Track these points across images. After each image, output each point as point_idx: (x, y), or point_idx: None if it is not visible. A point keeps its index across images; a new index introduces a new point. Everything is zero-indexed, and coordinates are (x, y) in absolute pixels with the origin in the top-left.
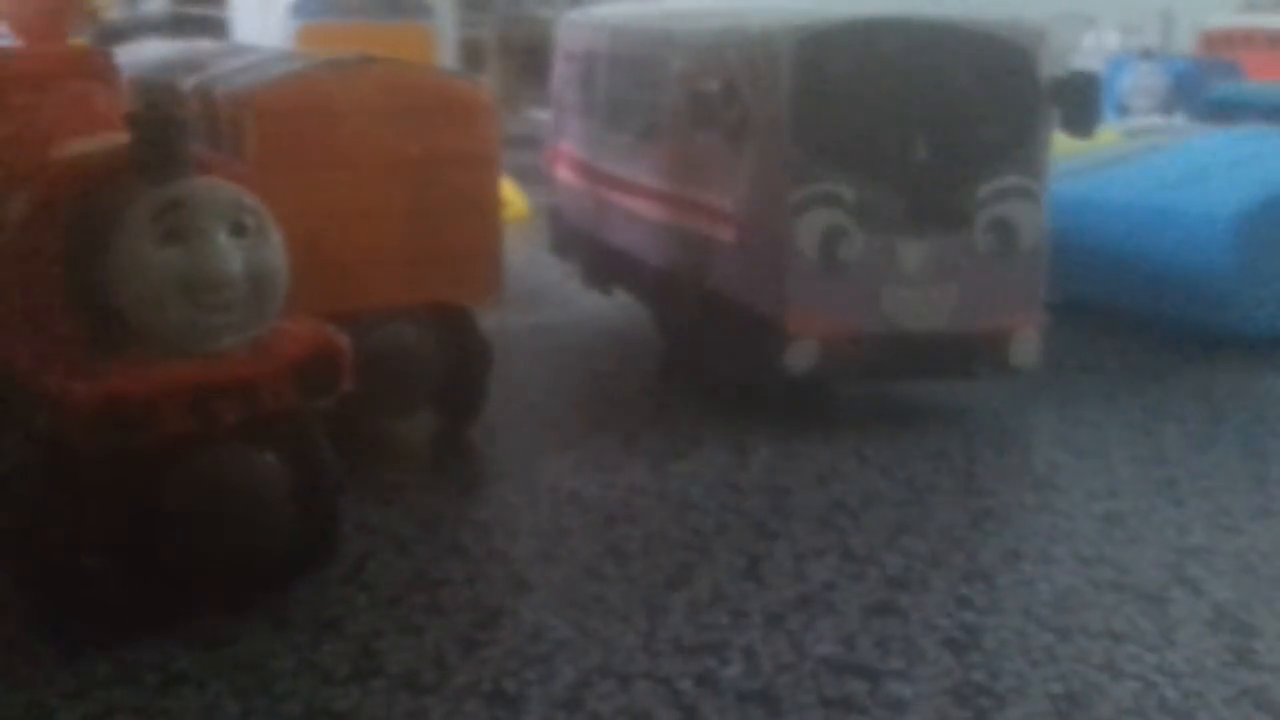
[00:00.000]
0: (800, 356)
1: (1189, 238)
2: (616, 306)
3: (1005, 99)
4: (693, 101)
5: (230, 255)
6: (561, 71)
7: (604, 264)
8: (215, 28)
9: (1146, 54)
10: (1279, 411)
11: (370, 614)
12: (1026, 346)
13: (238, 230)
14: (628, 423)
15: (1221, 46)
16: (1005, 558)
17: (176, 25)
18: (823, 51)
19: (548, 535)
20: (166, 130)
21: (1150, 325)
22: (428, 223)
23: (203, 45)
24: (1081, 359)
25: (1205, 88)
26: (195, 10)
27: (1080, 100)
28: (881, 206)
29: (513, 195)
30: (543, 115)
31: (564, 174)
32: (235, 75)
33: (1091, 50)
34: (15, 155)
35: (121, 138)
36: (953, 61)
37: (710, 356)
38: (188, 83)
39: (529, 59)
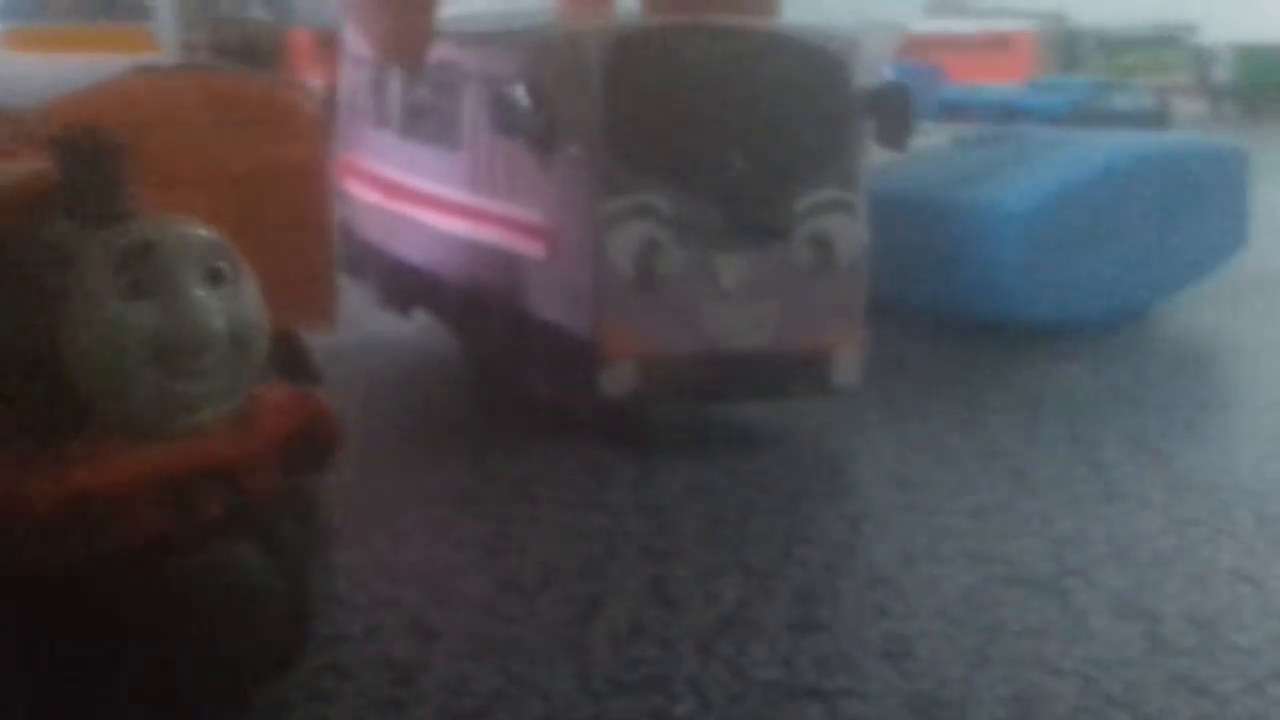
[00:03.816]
0: (617, 379)
1: (978, 233)
2: (411, 326)
3: (820, 110)
4: (496, 108)
5: (211, 310)
6: (350, 77)
7: (401, 283)
8: None
9: None
10: (1085, 397)
11: (269, 683)
12: (848, 365)
13: (214, 278)
14: (472, 448)
15: (921, 51)
16: (900, 560)
17: None
18: (633, 56)
19: (431, 575)
20: (104, 160)
21: (943, 321)
22: (253, 243)
23: None
24: (889, 358)
25: (933, 90)
26: None
27: (894, 111)
28: (698, 219)
29: None
30: None
31: (355, 187)
32: (29, 84)
33: None
34: None
35: (21, 167)
36: (767, 70)
37: (523, 381)
38: None
39: (243, 61)
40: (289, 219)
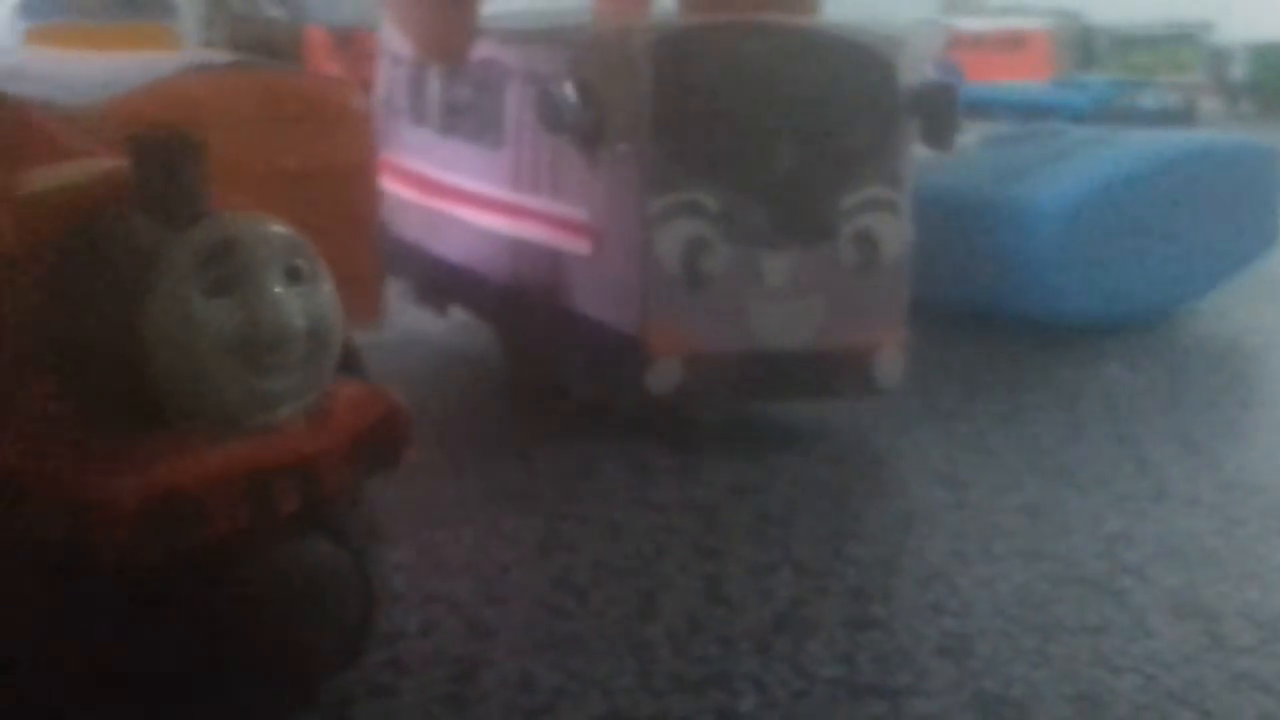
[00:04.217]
0: (662, 377)
1: (1016, 231)
2: (446, 324)
3: (867, 108)
4: (542, 104)
5: (291, 307)
6: (388, 76)
7: (439, 281)
8: None
9: None
10: (1125, 396)
11: (331, 679)
12: (890, 365)
13: (292, 275)
14: (514, 445)
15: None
16: (952, 558)
17: None
18: (682, 53)
19: (483, 572)
20: (183, 158)
21: (979, 318)
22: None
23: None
24: (927, 355)
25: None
26: None
27: (939, 112)
28: (745, 217)
29: None
30: None
31: (392, 185)
32: (81, 82)
33: None
34: None
35: (95, 164)
36: (814, 68)
37: (563, 378)
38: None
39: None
40: (339, 215)
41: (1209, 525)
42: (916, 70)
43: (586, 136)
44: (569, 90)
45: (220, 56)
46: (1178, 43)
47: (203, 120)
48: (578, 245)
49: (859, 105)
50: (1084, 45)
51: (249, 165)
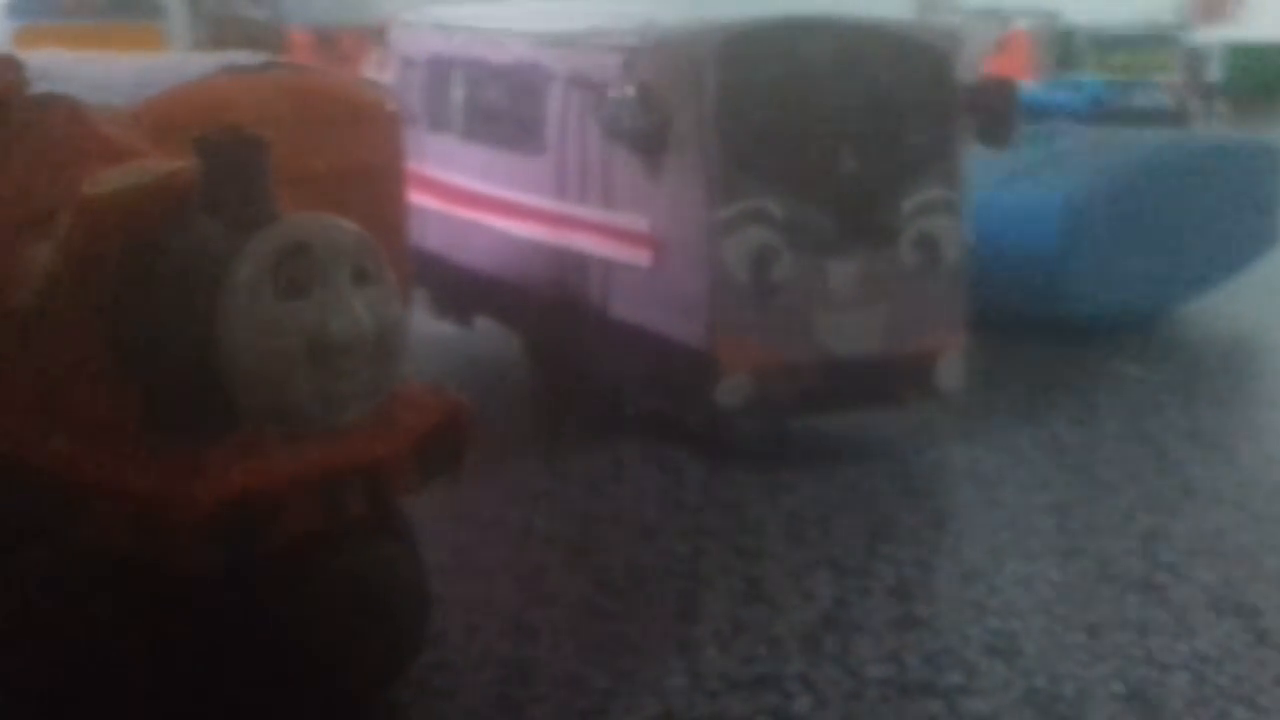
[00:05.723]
0: (733, 392)
1: (1022, 228)
2: (461, 331)
3: (925, 107)
4: (598, 109)
5: (360, 309)
6: (402, 79)
7: (464, 291)
8: None
9: None
10: (1141, 394)
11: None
12: (952, 369)
13: (359, 277)
14: (542, 448)
15: None
16: (989, 557)
17: None
18: (745, 55)
19: (522, 573)
20: (250, 160)
21: (989, 317)
22: None
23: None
24: None
25: None
26: None
27: (997, 110)
28: (809, 223)
29: None
30: None
31: (409, 192)
32: (111, 83)
33: None
34: (24, 192)
35: (159, 165)
36: (875, 67)
37: (617, 391)
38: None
39: None
40: (368, 217)
41: (1236, 521)
42: (971, 68)
43: (649, 143)
44: (630, 95)
45: (251, 58)
46: (1155, 43)
47: (235, 122)
48: (636, 256)
49: (919, 105)
50: (1063, 46)
51: (281, 167)
